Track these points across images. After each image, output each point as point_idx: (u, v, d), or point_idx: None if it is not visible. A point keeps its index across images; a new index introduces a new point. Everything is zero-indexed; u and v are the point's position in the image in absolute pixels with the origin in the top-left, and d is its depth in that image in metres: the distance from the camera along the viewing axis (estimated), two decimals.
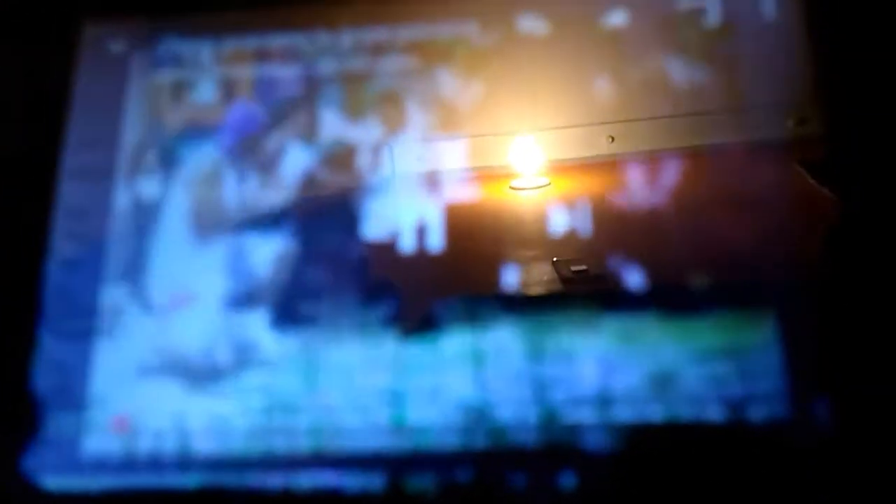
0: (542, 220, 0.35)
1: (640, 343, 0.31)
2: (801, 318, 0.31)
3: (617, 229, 0.35)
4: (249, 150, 0.36)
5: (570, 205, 0.35)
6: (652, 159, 0.35)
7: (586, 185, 0.37)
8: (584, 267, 0.34)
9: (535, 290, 0.34)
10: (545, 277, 0.34)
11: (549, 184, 0.38)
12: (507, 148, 0.38)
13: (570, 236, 0.35)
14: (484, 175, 0.36)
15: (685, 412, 0.30)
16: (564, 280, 0.34)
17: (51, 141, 0.38)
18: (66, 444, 0.33)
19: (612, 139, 0.38)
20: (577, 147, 0.38)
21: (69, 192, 0.37)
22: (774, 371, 0.30)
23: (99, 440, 0.33)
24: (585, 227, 0.35)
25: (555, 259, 0.35)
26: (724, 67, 0.35)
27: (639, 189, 0.34)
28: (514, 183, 0.38)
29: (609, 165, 0.37)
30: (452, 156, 0.36)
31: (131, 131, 0.37)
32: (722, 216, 0.33)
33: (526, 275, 0.34)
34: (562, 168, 0.38)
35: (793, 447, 0.29)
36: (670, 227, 0.34)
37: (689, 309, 0.31)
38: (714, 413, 0.30)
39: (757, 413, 0.30)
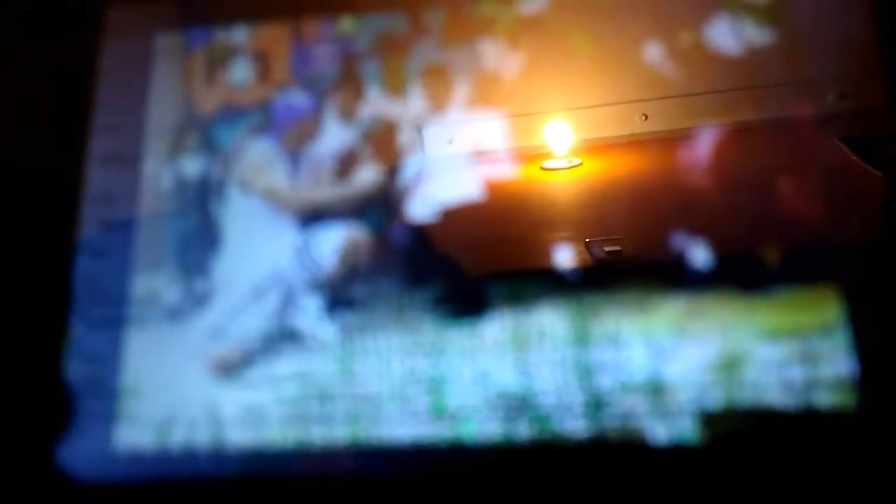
0: (574, 199, 0.34)
1: (697, 324, 0.30)
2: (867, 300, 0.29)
3: (652, 209, 0.33)
4: (297, 138, 0.35)
5: (603, 184, 0.33)
6: (686, 137, 0.33)
7: (619, 165, 0.36)
8: (618, 247, 0.33)
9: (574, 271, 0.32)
10: (578, 258, 0.33)
11: (581, 163, 0.37)
12: (539, 128, 0.37)
13: (603, 216, 0.33)
14: (515, 155, 0.35)
15: (745, 398, 0.28)
16: (597, 261, 0.33)
17: (78, 127, 0.37)
18: (99, 435, 0.32)
19: (646, 117, 0.36)
20: (609, 125, 0.37)
21: (96, 178, 0.36)
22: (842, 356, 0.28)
23: (132, 431, 0.32)
24: (618, 206, 0.33)
25: (588, 240, 0.33)
26: (763, 41, 0.33)
27: (674, 167, 0.33)
28: (546, 163, 0.37)
29: (643, 144, 0.36)
30: (484, 137, 0.35)
31: (161, 114, 0.37)
32: (765, 192, 0.31)
33: (559, 256, 0.33)
34: (594, 147, 0.37)
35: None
36: (701, 206, 0.32)
37: (749, 286, 0.29)
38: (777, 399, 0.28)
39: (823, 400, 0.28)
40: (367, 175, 0.34)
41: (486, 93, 0.35)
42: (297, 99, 0.35)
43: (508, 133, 0.35)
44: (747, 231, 0.31)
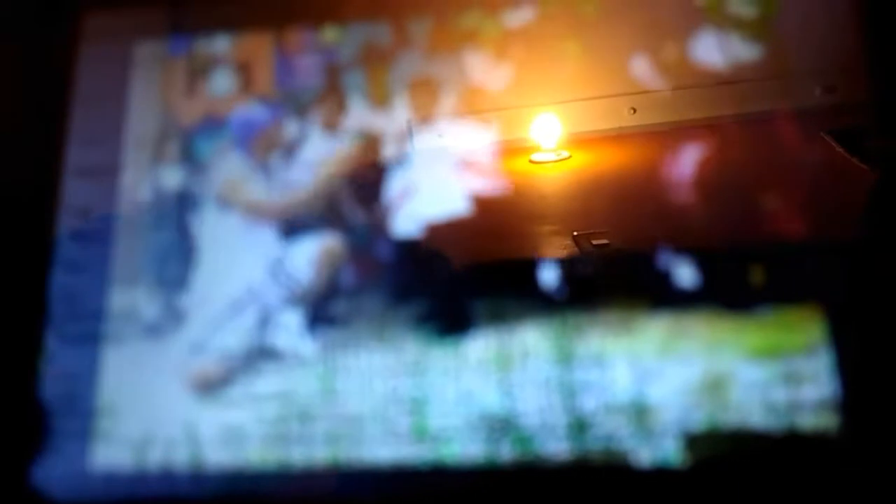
0: (563, 192, 0.33)
1: (681, 344, 0.29)
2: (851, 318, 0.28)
3: (640, 202, 0.33)
4: (269, 147, 0.34)
5: (591, 178, 0.33)
6: (675, 131, 0.33)
7: (608, 158, 0.36)
8: (605, 241, 0.33)
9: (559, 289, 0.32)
10: (566, 251, 0.33)
11: (570, 156, 0.37)
12: (528, 121, 0.36)
13: (591, 209, 0.33)
14: (504, 149, 0.35)
15: (729, 420, 0.28)
16: (585, 255, 0.32)
17: (54, 137, 0.36)
18: (75, 454, 0.32)
19: (634, 110, 0.36)
20: (598, 119, 0.36)
21: (73, 190, 0.35)
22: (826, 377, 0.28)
23: (109, 450, 0.32)
24: (606, 199, 0.33)
25: (575, 233, 0.33)
26: (751, 35, 0.33)
27: (662, 161, 0.32)
28: (535, 156, 0.36)
29: (631, 137, 0.35)
30: (473, 131, 0.34)
31: (140, 125, 0.36)
32: (751, 187, 0.31)
33: (547, 250, 0.33)
34: (583, 141, 0.37)
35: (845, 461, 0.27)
36: (692, 200, 0.32)
37: (733, 305, 0.29)
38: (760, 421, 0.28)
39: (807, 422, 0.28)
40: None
41: (475, 91, 0.34)
42: (260, 110, 0.35)
43: (497, 126, 0.35)
44: (734, 226, 0.31)
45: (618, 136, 0.36)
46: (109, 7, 0.38)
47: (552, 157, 0.37)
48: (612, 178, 0.36)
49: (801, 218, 0.30)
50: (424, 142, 0.34)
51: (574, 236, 0.33)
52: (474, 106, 0.35)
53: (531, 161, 0.37)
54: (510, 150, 0.35)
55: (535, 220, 0.35)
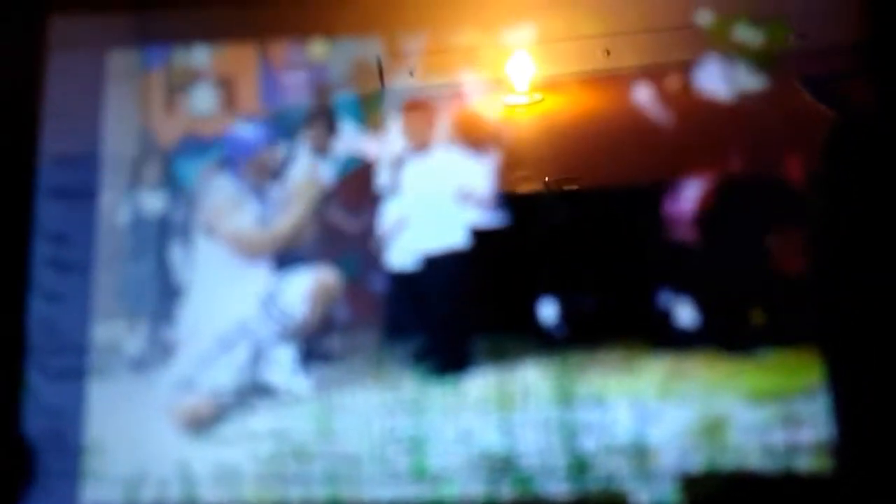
0: (535, 138, 0.33)
1: (681, 386, 0.29)
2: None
3: (613, 146, 0.33)
4: (262, 173, 0.33)
5: (564, 122, 0.33)
6: (650, 74, 0.32)
7: (580, 101, 0.35)
8: (576, 187, 0.32)
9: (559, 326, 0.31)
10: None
11: (542, 100, 0.36)
12: (501, 61, 0.35)
13: (563, 153, 0.33)
14: (476, 89, 0.34)
15: (727, 462, 0.28)
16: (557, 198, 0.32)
17: (25, 155, 0.34)
18: (63, 494, 0.31)
19: (609, 53, 0.35)
20: (571, 61, 0.36)
21: (48, 213, 0.34)
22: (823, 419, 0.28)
23: (99, 490, 0.31)
24: (578, 143, 0.33)
25: (547, 179, 0.33)
26: None
27: (635, 105, 0.32)
28: (507, 98, 0.36)
29: (605, 80, 0.35)
30: (444, 69, 0.33)
31: (116, 143, 0.34)
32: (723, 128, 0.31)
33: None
34: (555, 84, 0.36)
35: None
36: (666, 144, 0.32)
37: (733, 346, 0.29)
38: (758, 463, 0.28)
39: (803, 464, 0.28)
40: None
41: (448, 21, 0.33)
42: (255, 131, 0.33)
43: (469, 66, 0.34)
44: (708, 165, 0.31)
45: (591, 79, 0.36)
46: (76, 8, 0.36)
47: (524, 99, 0.36)
48: (585, 123, 0.35)
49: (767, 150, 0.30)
50: (394, 81, 0.33)
51: (546, 182, 0.33)
52: (446, 45, 0.33)
53: (503, 103, 0.36)
54: (482, 90, 0.34)
55: (507, 166, 0.34)
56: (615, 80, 0.34)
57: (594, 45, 0.35)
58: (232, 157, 0.33)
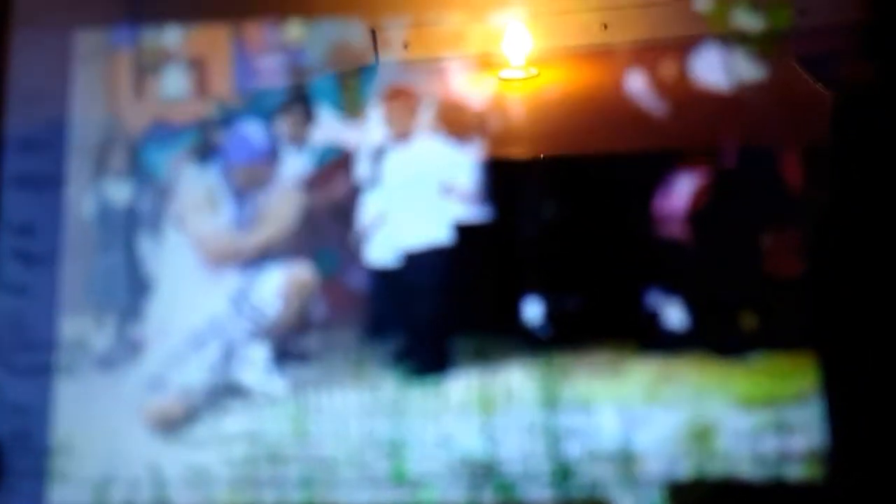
0: (530, 112, 0.32)
1: (669, 390, 0.28)
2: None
3: (609, 121, 0.32)
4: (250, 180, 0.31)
5: (560, 96, 0.32)
6: (647, 48, 0.32)
7: (577, 75, 0.34)
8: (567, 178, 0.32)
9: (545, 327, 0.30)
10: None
11: (538, 74, 0.34)
12: (496, 36, 0.34)
13: (559, 128, 0.32)
14: (472, 63, 0.32)
15: (715, 469, 0.27)
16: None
17: None
18: (31, 495, 0.30)
19: (606, 27, 0.34)
20: (568, 35, 0.34)
21: (12, 202, 0.32)
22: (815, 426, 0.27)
23: (67, 491, 0.30)
24: (575, 118, 0.32)
25: (543, 155, 0.32)
26: None
27: (632, 80, 0.31)
28: (503, 73, 0.34)
29: (602, 55, 0.34)
30: (439, 42, 0.32)
31: (84, 128, 0.32)
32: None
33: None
34: (552, 57, 0.34)
35: None
36: (662, 121, 0.31)
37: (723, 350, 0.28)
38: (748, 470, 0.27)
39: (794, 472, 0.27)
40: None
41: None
42: (261, 136, 0.32)
43: (465, 39, 0.33)
44: (704, 140, 0.30)
45: (588, 53, 0.34)
46: None
47: (520, 74, 0.35)
48: (582, 97, 0.34)
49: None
50: (389, 53, 0.32)
51: (543, 158, 0.32)
52: (442, 16, 0.32)
53: (499, 77, 0.34)
54: (478, 64, 0.33)
55: (503, 141, 0.33)
56: (612, 54, 0.32)
57: (591, 19, 0.34)
58: (230, 156, 0.31)
